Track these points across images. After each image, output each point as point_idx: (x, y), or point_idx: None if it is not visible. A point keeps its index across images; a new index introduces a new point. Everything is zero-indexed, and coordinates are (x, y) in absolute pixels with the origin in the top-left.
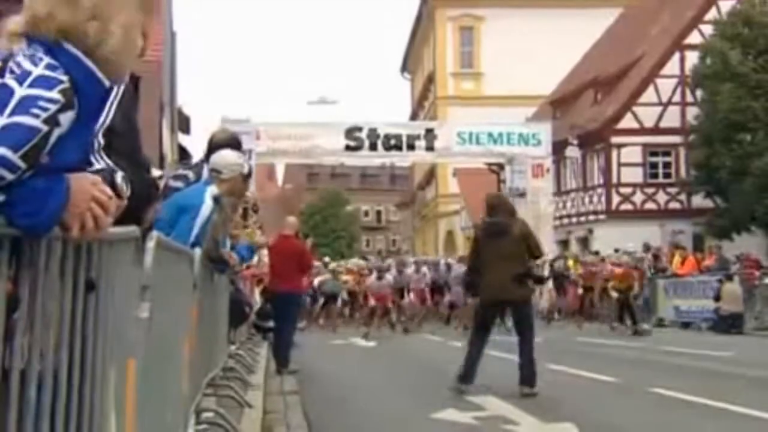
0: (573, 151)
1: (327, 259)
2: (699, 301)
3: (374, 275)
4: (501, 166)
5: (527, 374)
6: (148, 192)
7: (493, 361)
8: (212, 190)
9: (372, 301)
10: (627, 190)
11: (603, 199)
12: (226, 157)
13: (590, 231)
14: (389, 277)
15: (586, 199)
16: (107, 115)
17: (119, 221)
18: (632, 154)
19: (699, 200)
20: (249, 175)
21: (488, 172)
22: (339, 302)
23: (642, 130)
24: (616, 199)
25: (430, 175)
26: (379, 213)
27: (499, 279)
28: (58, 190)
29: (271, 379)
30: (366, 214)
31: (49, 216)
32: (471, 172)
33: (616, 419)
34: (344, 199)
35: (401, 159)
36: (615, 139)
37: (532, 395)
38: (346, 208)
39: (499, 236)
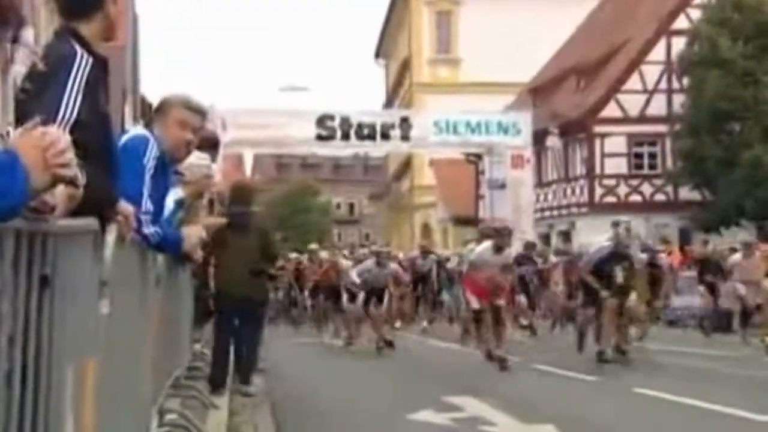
0: (554, 141)
1: (294, 255)
2: (685, 298)
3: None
4: (479, 157)
5: (244, 371)
6: (110, 193)
7: (475, 360)
8: (176, 193)
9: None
10: (610, 182)
11: (585, 191)
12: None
13: (572, 224)
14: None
15: (568, 191)
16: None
17: (77, 213)
18: (616, 144)
19: (686, 192)
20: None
21: (466, 162)
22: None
23: (626, 119)
24: (599, 191)
25: (405, 165)
26: (351, 205)
27: (237, 274)
28: (11, 159)
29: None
30: (338, 206)
31: (21, 189)
32: (448, 163)
33: (597, 420)
34: (315, 191)
35: (375, 149)
36: (598, 129)
37: (249, 395)
38: (318, 199)
39: (240, 229)
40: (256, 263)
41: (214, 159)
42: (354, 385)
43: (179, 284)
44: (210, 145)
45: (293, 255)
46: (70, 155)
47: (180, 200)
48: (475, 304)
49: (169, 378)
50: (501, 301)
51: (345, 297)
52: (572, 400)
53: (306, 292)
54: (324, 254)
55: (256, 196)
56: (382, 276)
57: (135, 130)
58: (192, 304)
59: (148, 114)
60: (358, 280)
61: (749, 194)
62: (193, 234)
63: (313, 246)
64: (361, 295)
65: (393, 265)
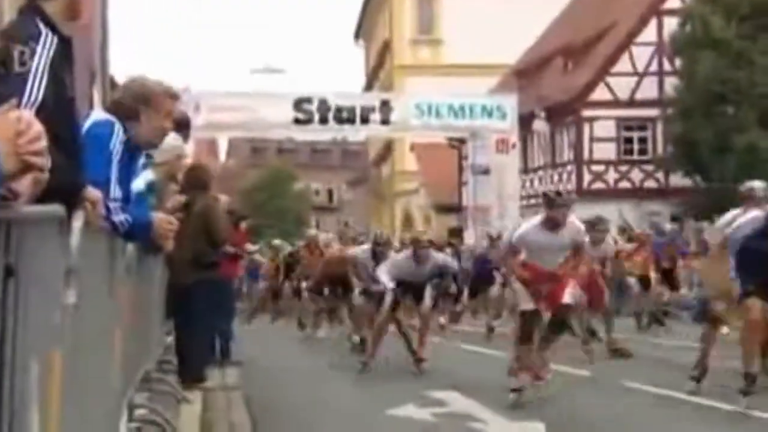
0: (540, 125)
1: (277, 241)
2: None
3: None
4: (462, 141)
5: (189, 369)
6: (76, 178)
7: (461, 353)
8: (146, 175)
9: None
10: (599, 168)
11: (573, 177)
12: None
13: None
14: None
15: (555, 177)
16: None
17: (42, 200)
18: (605, 128)
19: (677, 179)
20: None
21: (448, 147)
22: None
23: (615, 103)
24: (587, 177)
25: (386, 150)
26: (330, 192)
27: (176, 259)
28: None
29: (212, 373)
30: (316, 192)
31: None
32: (430, 148)
33: (587, 416)
34: (292, 177)
35: (354, 133)
36: (586, 112)
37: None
38: (295, 186)
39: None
40: (198, 250)
41: (185, 140)
42: (334, 379)
43: (150, 274)
44: (181, 125)
45: (276, 242)
46: (44, 143)
47: (151, 183)
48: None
49: (139, 371)
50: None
51: (357, 293)
52: (563, 395)
53: (304, 284)
54: (323, 238)
55: (211, 179)
56: (426, 272)
57: (98, 114)
58: (163, 294)
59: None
60: (391, 284)
61: (743, 181)
62: (164, 222)
63: (312, 231)
64: (389, 298)
65: (439, 255)
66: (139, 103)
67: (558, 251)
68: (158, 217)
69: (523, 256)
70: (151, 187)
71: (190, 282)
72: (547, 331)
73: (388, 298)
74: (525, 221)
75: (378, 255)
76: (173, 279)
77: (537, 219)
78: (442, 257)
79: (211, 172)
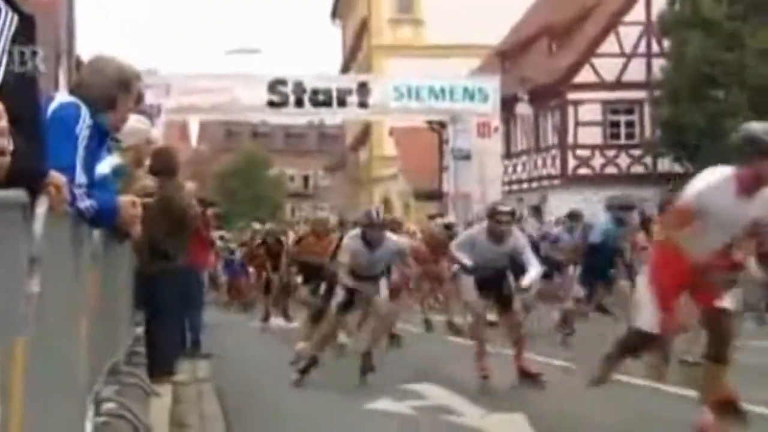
0: (524, 108)
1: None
2: None
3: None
4: (443, 125)
5: (157, 362)
6: (39, 162)
7: (438, 345)
8: (112, 160)
9: None
10: (585, 153)
11: (558, 162)
12: None
13: (543, 197)
14: None
15: (539, 162)
16: None
17: (3, 185)
18: (590, 111)
19: (666, 164)
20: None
21: (429, 131)
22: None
23: (601, 85)
24: (572, 162)
25: (364, 134)
26: (306, 177)
27: (140, 248)
28: None
29: (183, 365)
30: (291, 178)
31: None
32: (409, 132)
33: (569, 408)
34: (266, 162)
35: (331, 116)
36: (571, 95)
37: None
38: (269, 171)
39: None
40: (159, 239)
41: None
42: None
43: (117, 262)
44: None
45: (257, 226)
46: (4, 123)
47: (118, 168)
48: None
49: (106, 363)
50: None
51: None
52: (546, 387)
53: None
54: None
55: (178, 164)
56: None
57: (63, 97)
58: (132, 283)
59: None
60: (469, 262)
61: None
62: (130, 206)
63: (323, 213)
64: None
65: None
66: (118, 90)
67: (500, 259)
68: (123, 200)
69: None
70: (117, 171)
71: (155, 272)
72: None
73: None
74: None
75: (371, 242)
76: (140, 268)
77: (481, 229)
78: (521, 235)
79: (177, 157)
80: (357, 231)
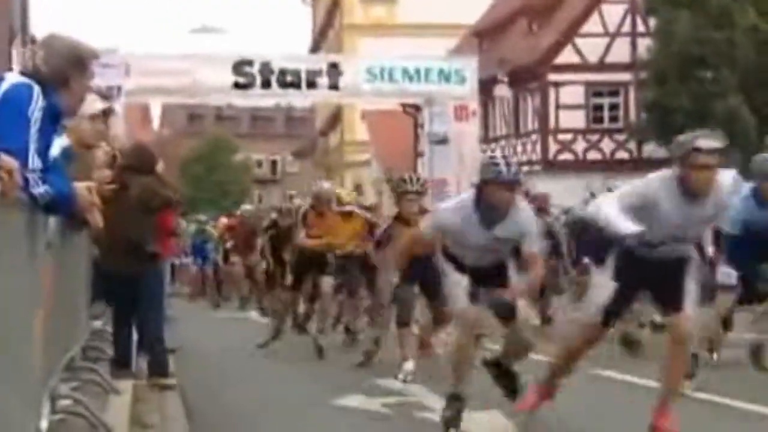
0: (503, 91)
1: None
2: None
3: None
4: (418, 108)
5: (155, 362)
6: None
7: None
8: (60, 141)
9: None
10: (566, 137)
11: (538, 147)
12: None
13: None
14: None
15: (519, 147)
16: None
17: None
18: (572, 94)
19: (651, 149)
20: (106, 114)
21: (403, 114)
22: None
23: (584, 66)
24: (553, 147)
25: (334, 118)
26: (273, 163)
27: (109, 246)
28: None
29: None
30: (258, 164)
31: None
32: (382, 115)
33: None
34: (232, 147)
35: (300, 99)
36: (552, 77)
37: (169, 387)
38: (235, 156)
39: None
40: (141, 237)
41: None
42: (277, 367)
43: (74, 251)
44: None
45: (248, 207)
46: None
47: (67, 149)
48: None
49: (63, 358)
50: None
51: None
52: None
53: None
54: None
55: (155, 163)
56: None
57: (14, 77)
58: (90, 274)
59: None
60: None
61: (723, 151)
62: (86, 193)
63: (325, 184)
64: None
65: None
66: (71, 69)
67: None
68: (79, 186)
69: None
70: (66, 153)
71: (133, 271)
72: None
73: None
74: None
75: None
76: (114, 267)
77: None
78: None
79: (155, 156)
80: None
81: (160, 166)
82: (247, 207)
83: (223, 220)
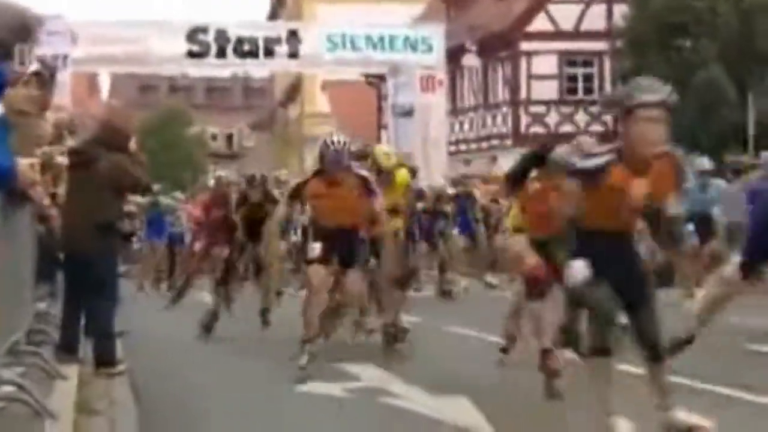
0: (472, 60)
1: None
2: None
3: None
4: (382, 78)
5: (101, 352)
6: None
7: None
8: None
9: None
10: (539, 109)
11: (509, 119)
12: None
13: (493, 159)
14: None
15: (489, 120)
16: None
17: None
18: (545, 63)
19: None
20: (41, 78)
21: (366, 85)
22: None
23: (558, 34)
24: (525, 119)
25: (294, 89)
26: (230, 136)
27: (75, 225)
28: None
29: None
30: (213, 137)
31: None
32: (344, 86)
33: (517, 388)
34: (186, 119)
35: (257, 69)
36: (524, 45)
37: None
38: (189, 129)
39: (84, 169)
40: (108, 214)
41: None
42: (235, 351)
43: (17, 230)
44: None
45: (221, 173)
46: None
47: (1, 118)
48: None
49: (5, 343)
50: None
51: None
52: (491, 367)
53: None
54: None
55: (128, 141)
56: None
57: None
58: (34, 254)
59: None
60: None
61: (703, 124)
62: (29, 170)
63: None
64: None
65: None
66: (17, 39)
67: None
68: (22, 163)
69: None
70: (3, 123)
71: (95, 251)
72: None
73: None
74: None
75: None
76: (74, 246)
77: None
78: None
79: (129, 133)
80: None
81: (132, 144)
82: (220, 173)
83: (189, 209)
